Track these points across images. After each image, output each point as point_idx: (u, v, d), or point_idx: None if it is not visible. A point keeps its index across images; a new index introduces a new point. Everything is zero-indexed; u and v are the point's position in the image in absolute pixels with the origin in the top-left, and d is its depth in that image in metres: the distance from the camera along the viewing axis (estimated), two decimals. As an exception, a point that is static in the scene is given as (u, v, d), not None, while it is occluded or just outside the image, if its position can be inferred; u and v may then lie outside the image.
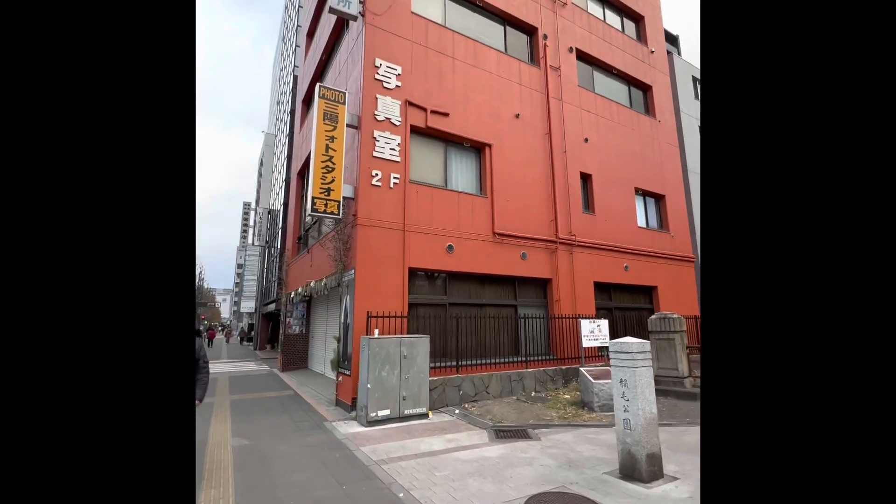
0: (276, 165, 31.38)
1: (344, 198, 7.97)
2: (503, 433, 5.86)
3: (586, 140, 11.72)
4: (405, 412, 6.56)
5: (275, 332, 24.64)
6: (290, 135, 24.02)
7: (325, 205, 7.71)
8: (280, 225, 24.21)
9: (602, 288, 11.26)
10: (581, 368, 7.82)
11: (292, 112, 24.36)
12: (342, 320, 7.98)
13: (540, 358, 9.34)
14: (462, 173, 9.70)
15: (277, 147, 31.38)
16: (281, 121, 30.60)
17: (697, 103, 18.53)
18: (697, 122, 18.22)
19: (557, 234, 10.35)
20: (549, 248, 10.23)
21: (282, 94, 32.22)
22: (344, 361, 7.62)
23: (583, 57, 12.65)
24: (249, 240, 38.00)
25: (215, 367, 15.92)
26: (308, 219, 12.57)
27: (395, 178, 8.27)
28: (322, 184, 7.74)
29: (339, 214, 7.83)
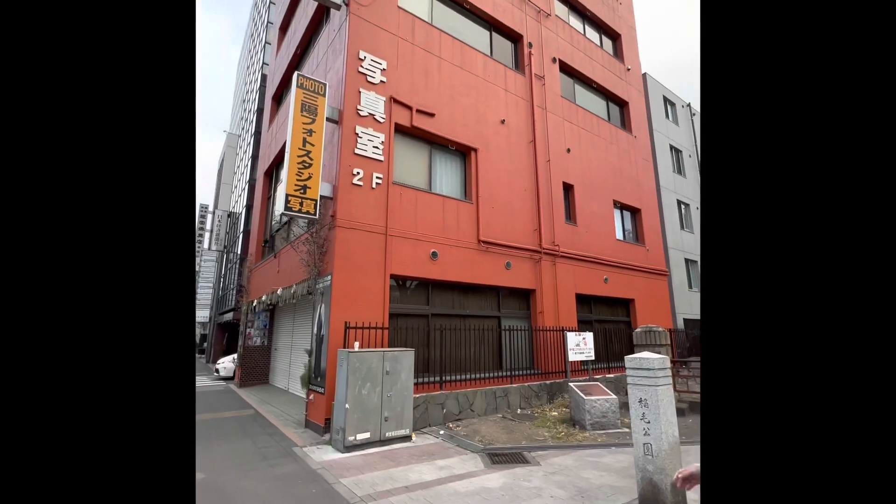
0: (238, 166, 29.73)
1: (321, 197, 7.29)
2: (498, 457, 5.33)
3: (569, 150, 11.63)
4: (387, 434, 5.89)
5: (231, 344, 22.93)
6: (257, 134, 22.80)
7: (301, 203, 7.00)
8: (241, 228, 22.76)
9: (583, 300, 11.07)
10: (570, 384, 7.45)
11: (259, 111, 23.17)
12: (315, 331, 7.23)
13: (524, 372, 8.92)
14: (447, 177, 9.25)
15: (241, 147, 29.76)
16: (246, 120, 29.09)
17: (669, 122, 19.19)
18: (668, 141, 18.83)
19: (541, 244, 10.07)
20: (534, 258, 9.93)
21: (247, 93, 30.73)
22: (316, 378, 6.85)
23: (565, 69, 12.66)
24: (205, 244, 35.72)
25: (162, 383, 14.41)
26: (276, 222, 11.68)
27: (377, 177, 7.69)
28: (298, 180, 7.03)
29: (315, 214, 7.13)
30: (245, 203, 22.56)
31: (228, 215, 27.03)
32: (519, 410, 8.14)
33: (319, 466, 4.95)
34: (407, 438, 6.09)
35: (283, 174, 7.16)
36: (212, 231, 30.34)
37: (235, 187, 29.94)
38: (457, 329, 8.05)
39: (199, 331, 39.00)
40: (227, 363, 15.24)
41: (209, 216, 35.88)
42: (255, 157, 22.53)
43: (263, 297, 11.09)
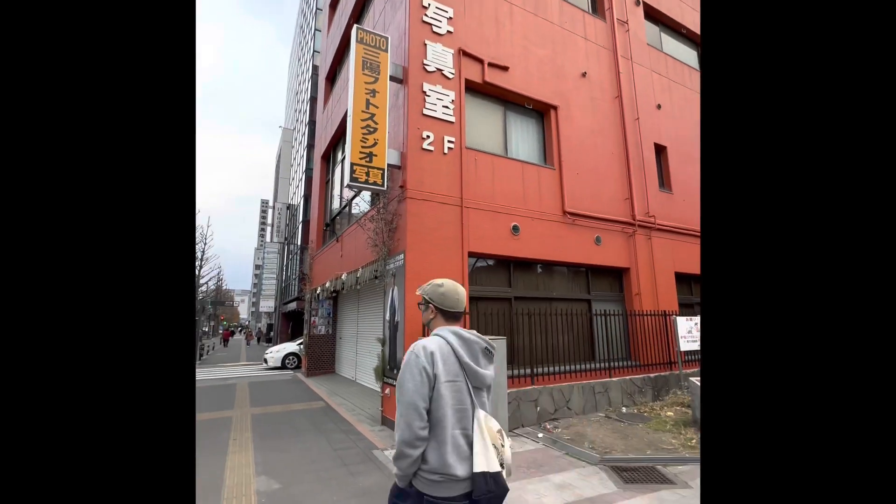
0: (294, 159, 30.19)
1: (389, 166, 6.42)
2: (627, 473, 4.20)
3: (659, 107, 9.97)
4: (480, 438, 4.95)
5: (296, 332, 23.39)
6: (311, 123, 22.74)
7: (367, 173, 6.17)
8: (300, 218, 22.94)
9: (682, 279, 9.48)
10: (691, 379, 6.10)
11: (313, 100, 23.07)
12: (387, 318, 6.44)
13: (621, 364, 7.64)
14: (525, 141, 8.07)
15: (296, 139, 30.16)
16: (299, 111, 29.37)
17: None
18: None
19: (634, 215, 8.63)
20: (626, 232, 8.52)
21: (300, 83, 31.01)
22: (392, 370, 6.06)
23: (651, 13, 10.88)
24: (267, 237, 37.09)
25: (233, 371, 14.63)
26: (337, 205, 11.13)
27: (449, 141, 6.69)
28: (363, 147, 6.20)
29: (383, 185, 6.28)
30: (303, 193, 22.67)
31: (287, 207, 27.55)
32: (624, 409, 6.90)
33: (409, 478, 4.10)
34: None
35: (347, 143, 6.36)
36: (272, 224, 31.25)
37: (292, 180, 30.50)
38: (543, 314, 6.93)
39: (265, 320, 40.86)
40: (274, 353, 15.16)
41: (270, 211, 37.14)
42: (310, 147, 22.51)
43: (327, 284, 10.60)
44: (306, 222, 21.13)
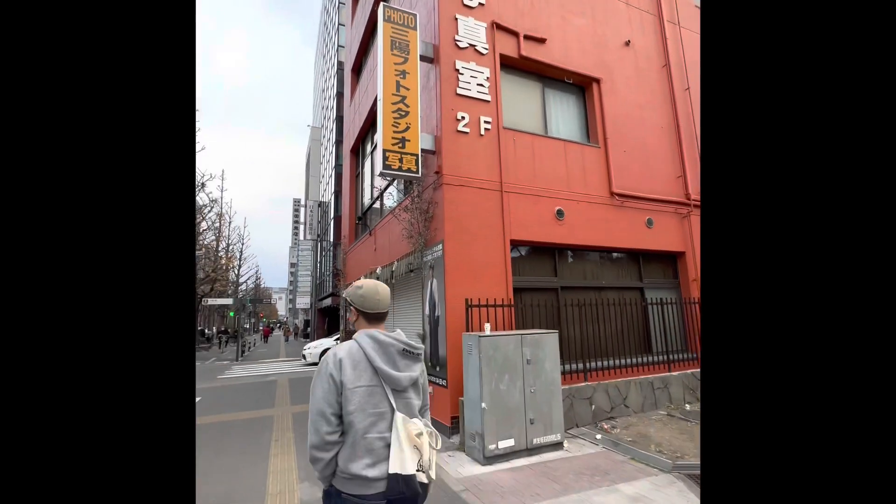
0: (324, 156, 30.45)
1: (422, 151, 6.04)
2: (708, 483, 3.68)
3: (711, 74, 9.06)
4: (534, 442, 4.55)
5: (332, 328, 23.65)
6: (339, 119, 22.73)
7: (400, 160, 5.82)
8: (332, 215, 23.07)
9: (743, 263, 8.63)
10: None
11: (339, 95, 23.04)
12: (427, 312, 6.10)
13: (679, 357, 7.01)
14: (565, 119, 7.49)
15: (324, 136, 30.38)
16: (326, 108, 29.51)
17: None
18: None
19: (688, 195, 7.89)
20: (680, 213, 7.81)
21: (326, 80, 31.15)
22: (434, 366, 5.73)
23: (697, -29, 9.92)
24: (301, 235, 37.82)
25: (273, 367, 14.84)
26: (369, 197, 10.91)
27: (485, 122, 6.23)
28: (395, 132, 5.84)
29: (417, 172, 5.91)
30: (333, 190, 22.77)
31: (318, 205, 27.84)
32: (687, 406, 6.31)
33: (462, 487, 3.76)
34: (558, 446, 4.70)
35: (378, 129, 6.03)
36: (305, 222, 31.75)
37: (322, 178, 30.80)
38: (593, 305, 6.40)
39: (301, 316, 41.86)
40: (312, 349, 15.23)
41: (302, 209, 37.80)
42: (338, 143, 22.53)
43: (361, 280, 10.44)
44: (338, 218, 21.20)
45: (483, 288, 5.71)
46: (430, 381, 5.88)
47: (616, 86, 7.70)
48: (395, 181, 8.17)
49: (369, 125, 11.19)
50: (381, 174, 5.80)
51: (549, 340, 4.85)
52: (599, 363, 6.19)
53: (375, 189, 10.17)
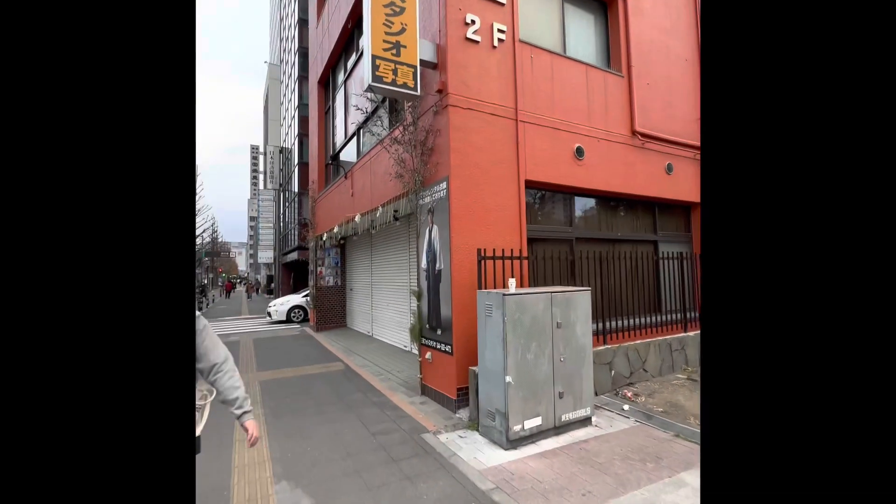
0: (284, 96, 27.49)
1: (421, 63, 4.76)
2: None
3: (735, 4, 8.04)
4: (563, 418, 3.80)
5: (298, 284, 22.33)
6: (302, 50, 20.13)
7: (394, 71, 4.53)
8: (295, 161, 21.02)
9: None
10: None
11: (302, 22, 20.26)
12: (425, 266, 5.10)
13: (693, 315, 6.47)
14: (584, 42, 6.31)
15: (285, 72, 27.24)
16: (287, 39, 26.22)
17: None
18: None
19: (708, 139, 7.06)
20: (698, 160, 7.01)
21: (283, 7, 27.50)
22: (435, 329, 4.82)
23: None
24: (260, 185, 35.12)
25: (235, 325, 13.60)
26: (346, 128, 9.45)
27: (499, 30, 4.99)
28: (387, 34, 4.51)
29: (415, 89, 4.67)
30: (297, 133, 20.57)
31: (280, 151, 25.41)
32: (706, 369, 5.81)
33: (489, 484, 2.95)
34: (587, 421, 3.99)
35: (366, 31, 4.67)
36: (265, 171, 29.21)
37: (283, 120, 28.02)
38: (612, 258, 5.61)
39: (264, 272, 39.84)
40: (278, 306, 14.01)
41: (261, 157, 34.84)
42: (302, 79, 20.10)
43: (335, 230, 9.20)
44: (303, 165, 19.26)
45: (493, 236, 4.74)
46: (427, 346, 4.98)
47: (642, 4, 6.55)
48: (381, 107, 6.81)
49: (343, 46, 9.50)
50: (370, 88, 4.51)
51: (580, 300, 4.01)
52: (616, 323, 5.50)
53: (351, 124, 8.73)
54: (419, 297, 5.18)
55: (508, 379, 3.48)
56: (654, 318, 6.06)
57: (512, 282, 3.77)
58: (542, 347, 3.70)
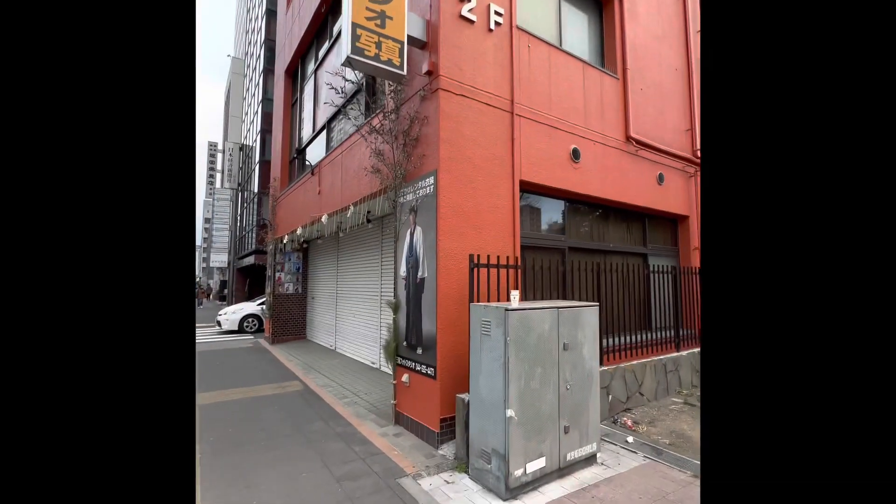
0: (247, 90, 26.00)
1: (408, 39, 4.15)
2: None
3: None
4: (567, 457, 3.21)
5: (253, 290, 20.80)
6: (268, 42, 19.03)
7: (377, 44, 3.89)
8: (256, 159, 19.72)
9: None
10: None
11: (269, 13, 19.17)
12: (403, 272, 4.41)
13: (684, 333, 6.14)
14: (580, 38, 5.94)
15: (248, 64, 25.77)
16: (252, 30, 24.86)
17: None
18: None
19: (695, 152, 6.90)
20: (687, 172, 6.81)
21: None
22: (414, 348, 4.12)
23: None
24: (217, 184, 33.03)
25: (179, 336, 12.18)
26: (314, 121, 8.66)
27: (496, 13, 4.47)
28: (371, 1, 3.86)
29: (401, 68, 4.04)
30: (259, 129, 19.31)
31: (240, 149, 23.89)
32: (698, 392, 5.44)
33: (493, 556, 2.28)
34: (592, 459, 3.43)
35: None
36: (223, 170, 27.45)
37: (245, 116, 26.47)
38: (608, 270, 5.17)
39: (217, 277, 37.32)
40: (229, 314, 12.77)
41: (219, 155, 32.84)
42: (267, 72, 18.96)
43: (298, 231, 8.31)
44: (265, 163, 18.01)
45: (484, 241, 4.16)
46: (404, 367, 4.28)
47: (637, 7, 6.29)
48: (357, 95, 6.11)
49: (315, 31, 8.75)
50: (348, 62, 3.83)
51: (588, 317, 3.47)
52: (612, 342, 5.04)
53: (322, 116, 7.96)
54: (396, 310, 4.48)
55: (510, 413, 2.86)
56: (646, 336, 5.66)
57: (515, 295, 3.16)
58: (548, 373, 3.11)
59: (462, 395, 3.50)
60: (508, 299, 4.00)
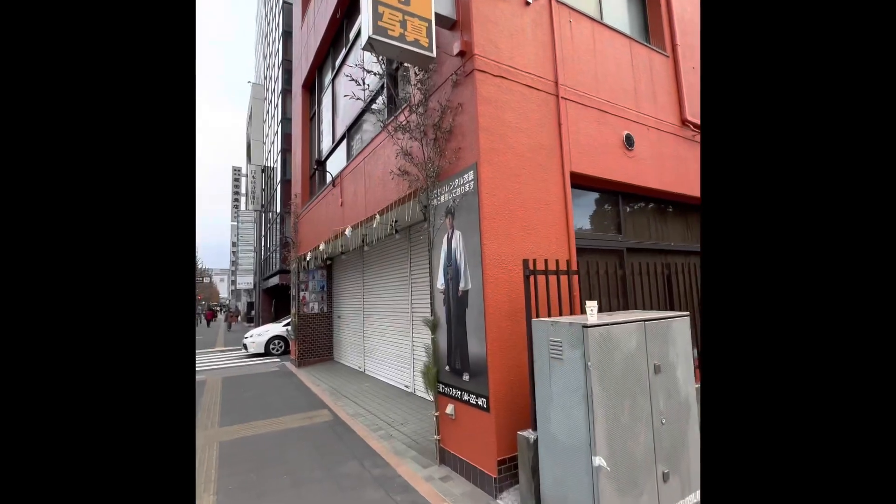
0: (268, 112, 26.42)
1: (436, 17, 3.64)
2: None
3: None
4: (670, 512, 2.50)
5: (280, 311, 20.64)
6: (286, 63, 19.20)
7: (402, 23, 3.39)
8: (278, 179, 19.76)
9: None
10: None
11: (286, 34, 19.38)
12: (442, 285, 3.83)
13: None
14: (622, 11, 5.33)
15: (268, 88, 26.22)
16: (269, 55, 25.32)
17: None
18: None
19: (756, 135, 6.10)
20: (749, 157, 6.01)
21: (268, 24, 26.73)
22: (460, 373, 3.51)
23: None
24: (242, 206, 33.58)
25: (207, 359, 11.92)
26: (333, 131, 8.31)
27: (533, -16, 3.92)
28: (392, -24, 3.38)
29: (429, 49, 3.52)
30: (279, 149, 19.37)
31: (262, 171, 24.14)
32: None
33: None
34: (697, 510, 2.69)
35: (358, -24, 3.53)
36: (247, 193, 27.85)
37: (266, 138, 26.85)
38: (675, 273, 4.43)
39: (244, 298, 37.69)
40: (255, 337, 12.38)
41: (243, 179, 33.48)
42: (286, 93, 19.08)
43: (320, 247, 7.88)
44: (286, 183, 17.97)
45: (536, 244, 3.54)
46: (447, 397, 3.66)
47: (681, -22, 5.65)
48: (380, 94, 5.65)
49: (331, 40, 8.46)
50: (370, 44, 3.34)
51: (680, 330, 2.78)
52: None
53: (341, 123, 7.58)
54: (434, 328, 3.88)
55: (599, 461, 2.19)
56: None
57: (591, 307, 2.51)
58: (639, 404, 2.44)
59: (525, 434, 2.84)
60: (581, 312, 3.35)
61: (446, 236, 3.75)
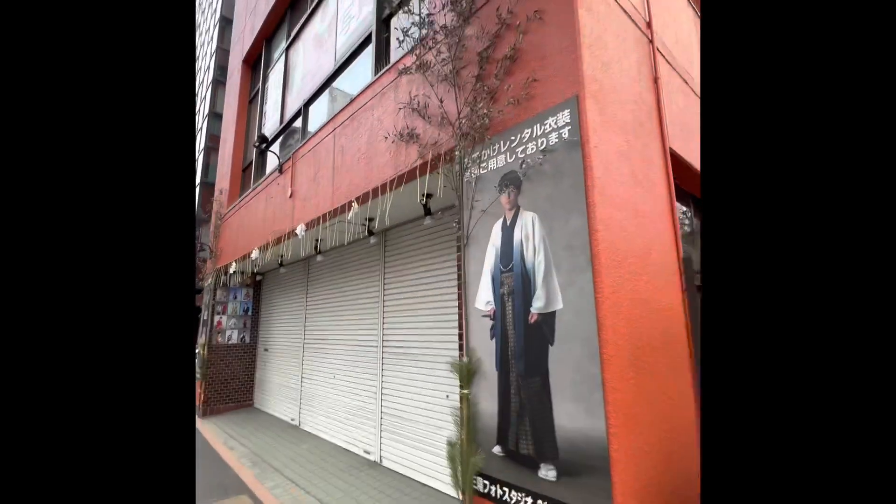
0: (198, 93, 23.06)
1: None
2: None
3: None
4: None
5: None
6: (222, 52, 16.85)
7: None
8: (198, 180, 16.86)
9: None
10: None
11: (225, 20, 17.11)
12: (488, 303, 2.30)
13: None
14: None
15: (202, 66, 22.95)
16: (203, 44, 22.39)
17: None
18: None
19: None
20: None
21: (202, 10, 23.91)
22: (535, 464, 1.94)
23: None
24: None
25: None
26: (282, 111, 6.58)
27: None
28: None
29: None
30: (203, 146, 16.60)
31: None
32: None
33: None
34: None
35: None
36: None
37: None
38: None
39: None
40: None
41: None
42: (217, 83, 16.62)
43: (253, 255, 5.86)
44: (207, 186, 15.19)
45: (650, 237, 2.22)
46: (486, 497, 2.06)
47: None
48: (371, 39, 4.12)
49: (287, 5, 6.85)
50: None
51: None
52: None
53: (297, 97, 5.90)
54: (467, 377, 2.31)
55: None
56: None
57: None
58: None
59: None
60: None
61: (500, 223, 2.28)
